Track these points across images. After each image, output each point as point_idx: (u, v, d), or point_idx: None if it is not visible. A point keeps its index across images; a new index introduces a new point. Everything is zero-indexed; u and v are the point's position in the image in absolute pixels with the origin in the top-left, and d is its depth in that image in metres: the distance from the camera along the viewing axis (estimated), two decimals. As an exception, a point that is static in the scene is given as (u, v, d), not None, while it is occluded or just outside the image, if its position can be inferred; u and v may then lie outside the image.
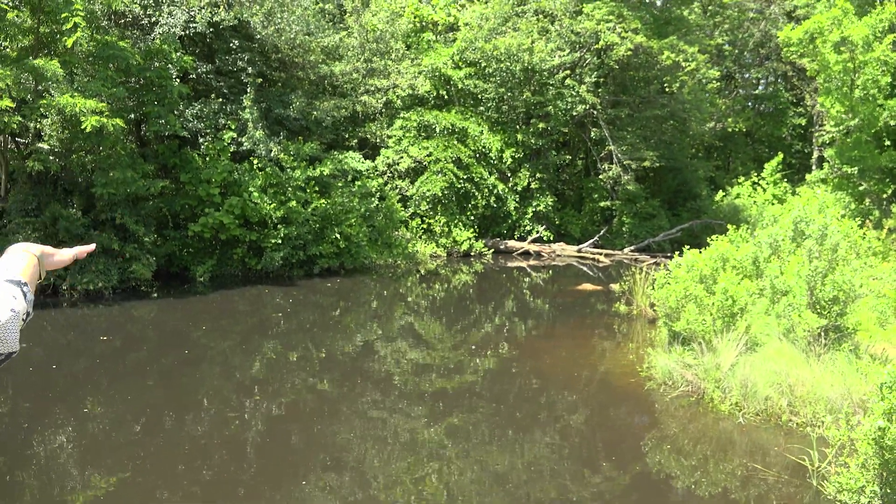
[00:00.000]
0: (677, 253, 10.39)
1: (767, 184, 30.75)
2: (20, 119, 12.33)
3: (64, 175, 14.15)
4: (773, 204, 27.96)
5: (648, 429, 7.23)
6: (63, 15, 12.49)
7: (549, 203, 24.52)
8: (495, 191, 23.50)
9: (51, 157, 13.85)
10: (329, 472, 5.99)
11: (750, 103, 36.66)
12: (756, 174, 31.86)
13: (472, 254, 22.60)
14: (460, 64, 24.62)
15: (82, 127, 12.27)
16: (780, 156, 31.24)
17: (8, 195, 13.60)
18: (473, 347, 10.78)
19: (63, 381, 8.54)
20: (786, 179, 31.19)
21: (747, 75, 36.85)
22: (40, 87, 12.89)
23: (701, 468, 6.22)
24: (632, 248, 24.07)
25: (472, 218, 23.09)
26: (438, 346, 10.95)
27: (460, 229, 22.52)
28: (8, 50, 12.92)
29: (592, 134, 25.94)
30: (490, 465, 6.20)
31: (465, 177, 22.47)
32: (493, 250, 23.36)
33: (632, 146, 24.87)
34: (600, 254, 23.19)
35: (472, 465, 6.20)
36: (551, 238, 24.43)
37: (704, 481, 5.94)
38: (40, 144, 14.35)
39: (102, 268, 13.37)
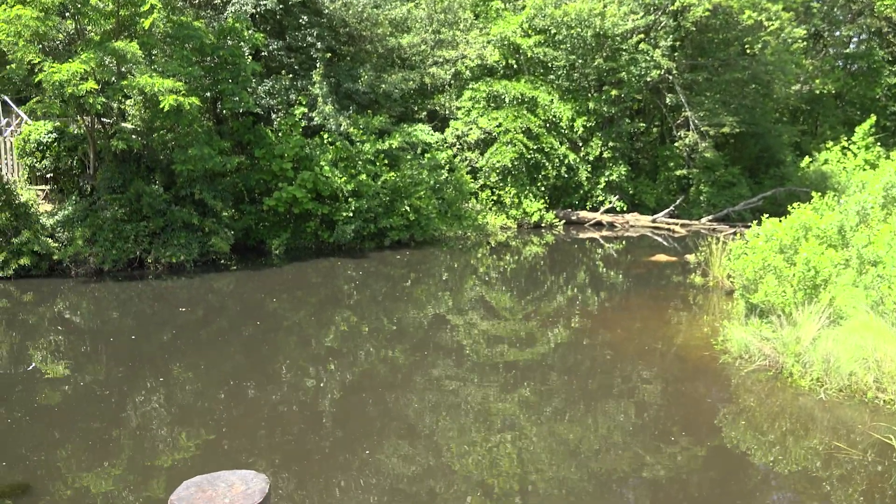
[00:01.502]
0: (755, 222, 9.97)
1: (858, 148, 29.02)
2: (104, 100, 12.87)
3: (146, 153, 14.74)
4: (864, 170, 26.41)
5: (724, 403, 7.04)
6: (141, -3, 12.91)
7: (623, 172, 23.92)
8: (566, 161, 23.09)
9: (134, 136, 14.46)
10: (403, 439, 6.10)
11: (840, 63, 34.52)
12: (846, 138, 30.09)
13: (543, 225, 22.37)
14: (529, 32, 24.14)
15: (161, 106, 12.72)
16: (873, 118, 29.37)
17: (96, 173, 14.29)
18: (545, 319, 10.71)
19: (151, 350, 8.99)
20: (879, 143, 29.34)
21: (837, 33, 34.64)
22: (123, 69, 13.40)
23: (780, 445, 6.01)
24: (710, 217, 23.27)
25: (543, 189, 22.80)
26: (509, 318, 10.94)
27: (530, 200, 22.28)
28: (92, 34, 13.47)
29: (668, 100, 25.04)
30: (562, 437, 6.18)
31: (535, 147, 22.16)
32: (564, 221, 23.03)
33: (710, 112, 23.90)
34: (676, 224, 22.54)
35: (545, 436, 6.19)
36: (624, 208, 23.89)
37: (784, 459, 5.74)
38: (124, 124, 14.99)
39: (184, 241, 13.92)
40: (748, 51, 24.36)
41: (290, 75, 18.07)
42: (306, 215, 16.85)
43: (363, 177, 17.06)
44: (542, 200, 22.68)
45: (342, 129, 17.77)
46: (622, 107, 24.38)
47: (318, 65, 17.99)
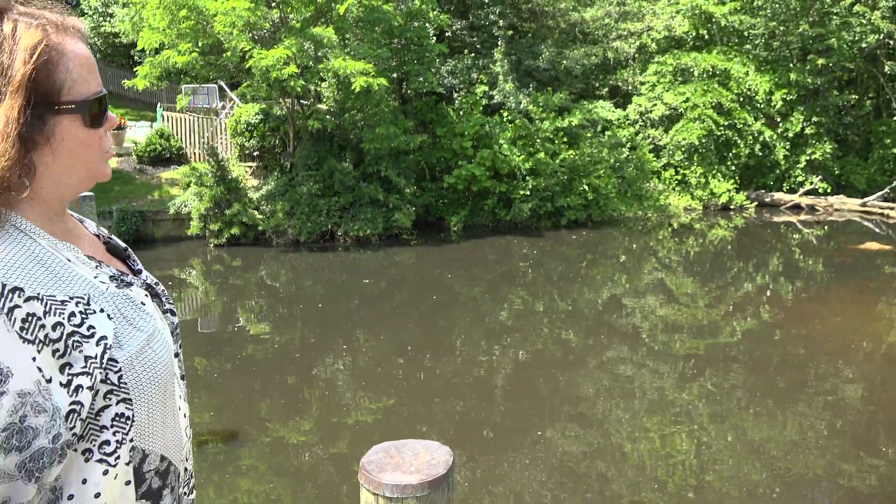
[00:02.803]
0: None
1: None
2: (303, 83, 13.88)
3: (338, 132, 15.73)
4: None
5: (946, 413, 6.20)
6: (337, -16, 13.71)
7: (827, 150, 21.65)
8: (761, 138, 21.33)
9: (328, 117, 15.49)
10: (573, 421, 6.06)
11: None
12: None
13: (732, 207, 20.91)
14: (724, -2, 22.46)
15: (352, 87, 13.47)
16: None
17: (295, 151, 15.52)
18: (730, 307, 10.06)
19: (338, 316, 9.67)
20: None
21: None
22: (319, 54, 14.35)
23: None
24: (933, 201, 20.44)
25: (733, 168, 21.26)
26: (691, 304, 10.41)
27: (719, 180, 20.90)
28: (293, 21, 14.54)
29: (887, 68, 22.21)
30: (746, 433, 5.80)
31: (725, 123, 20.68)
32: (756, 203, 21.36)
33: (940, 80, 20.88)
34: (892, 208, 20.06)
35: (726, 431, 5.85)
36: (828, 190, 21.63)
37: None
38: (319, 105, 16.09)
39: (370, 216, 14.73)
40: None
41: (472, 54, 18.33)
42: (484, 193, 17.11)
43: (541, 155, 16.96)
44: (732, 181, 21.17)
45: (522, 106, 17.76)
46: (830, 77, 22.01)
47: (499, 43, 18.08)
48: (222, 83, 17.97)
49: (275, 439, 5.72)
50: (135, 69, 15.30)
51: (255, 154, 16.71)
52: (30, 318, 0.88)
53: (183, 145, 17.31)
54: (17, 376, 0.85)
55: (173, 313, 1.20)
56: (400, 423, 6.03)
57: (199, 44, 13.79)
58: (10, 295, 0.87)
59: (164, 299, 1.18)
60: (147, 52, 14.56)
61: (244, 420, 6.07)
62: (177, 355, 1.17)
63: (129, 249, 1.23)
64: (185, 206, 14.58)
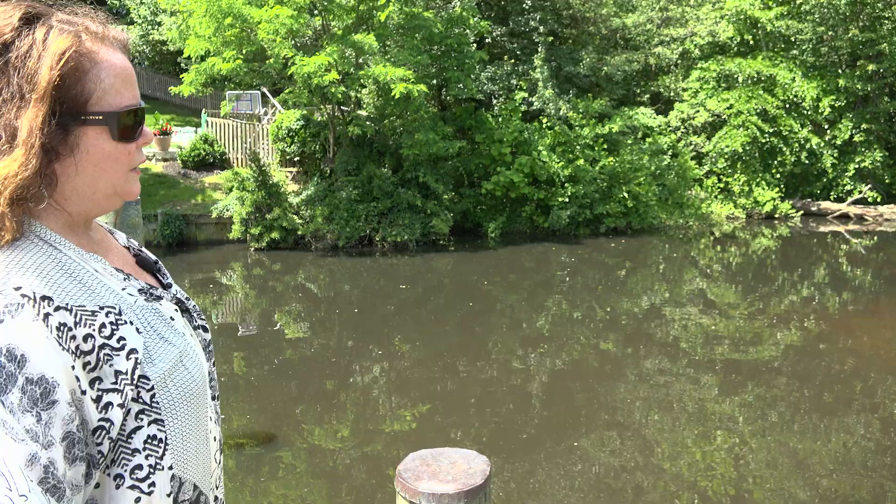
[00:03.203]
0: None
1: None
2: (344, 89, 14.02)
3: (378, 138, 15.86)
4: None
5: None
6: (379, -8, 13.84)
7: (878, 158, 21.02)
8: (807, 145, 20.82)
9: (367, 123, 15.62)
10: (610, 432, 5.98)
11: None
12: None
13: (777, 216, 20.45)
14: (770, 3, 22.01)
15: (392, 94, 13.57)
16: None
17: (335, 157, 15.68)
18: (774, 318, 9.83)
19: (375, 321, 9.72)
20: None
21: None
22: (360, 60, 14.49)
23: None
24: None
25: (778, 176, 20.78)
26: (733, 315, 10.20)
27: (763, 188, 20.45)
28: (335, 29, 14.72)
29: (941, 74, 21.51)
30: (788, 448, 5.65)
31: (770, 130, 20.25)
32: (801, 212, 20.85)
33: None
34: (944, 218, 19.37)
35: (768, 446, 5.70)
36: (878, 199, 21.01)
37: None
38: (359, 111, 16.24)
39: (408, 222, 14.79)
40: None
41: (512, 60, 18.32)
42: (522, 200, 17.05)
43: (581, 162, 16.84)
44: (777, 189, 20.70)
45: (561, 113, 17.67)
46: (880, 83, 21.39)
47: (539, 49, 18.03)
48: (265, 90, 18.27)
49: (311, 444, 5.77)
50: (181, 76, 15.64)
51: (295, 159, 16.93)
52: (62, 328, 0.84)
53: (226, 150, 17.64)
54: (61, 386, 0.82)
55: (206, 330, 1.13)
56: (435, 430, 6.03)
57: (243, 51, 14.05)
58: (42, 303, 0.83)
59: (195, 315, 1.11)
60: (193, 59, 14.89)
61: (281, 423, 6.13)
62: (209, 374, 1.08)
63: (160, 263, 1.17)
64: (228, 211, 14.84)
